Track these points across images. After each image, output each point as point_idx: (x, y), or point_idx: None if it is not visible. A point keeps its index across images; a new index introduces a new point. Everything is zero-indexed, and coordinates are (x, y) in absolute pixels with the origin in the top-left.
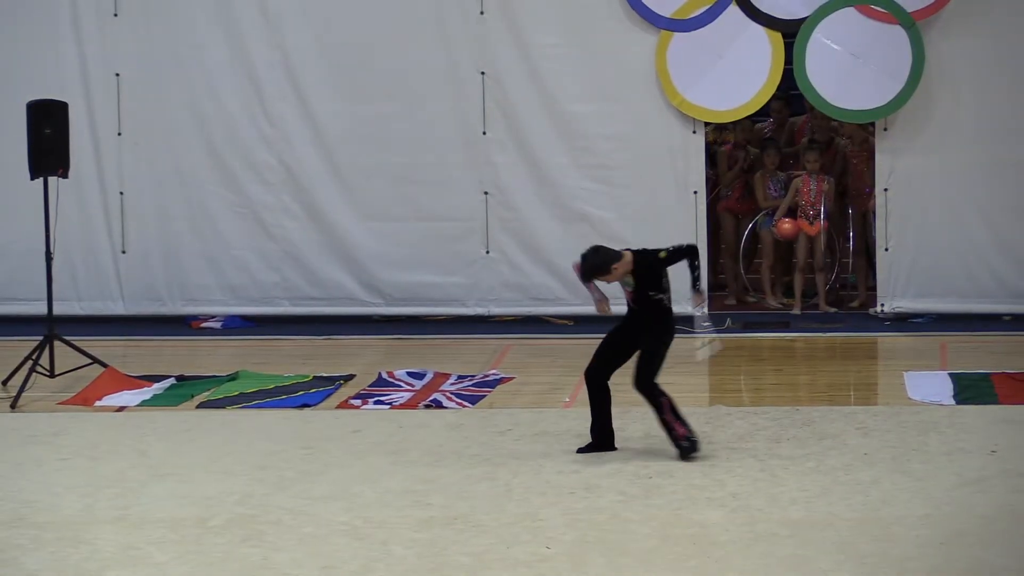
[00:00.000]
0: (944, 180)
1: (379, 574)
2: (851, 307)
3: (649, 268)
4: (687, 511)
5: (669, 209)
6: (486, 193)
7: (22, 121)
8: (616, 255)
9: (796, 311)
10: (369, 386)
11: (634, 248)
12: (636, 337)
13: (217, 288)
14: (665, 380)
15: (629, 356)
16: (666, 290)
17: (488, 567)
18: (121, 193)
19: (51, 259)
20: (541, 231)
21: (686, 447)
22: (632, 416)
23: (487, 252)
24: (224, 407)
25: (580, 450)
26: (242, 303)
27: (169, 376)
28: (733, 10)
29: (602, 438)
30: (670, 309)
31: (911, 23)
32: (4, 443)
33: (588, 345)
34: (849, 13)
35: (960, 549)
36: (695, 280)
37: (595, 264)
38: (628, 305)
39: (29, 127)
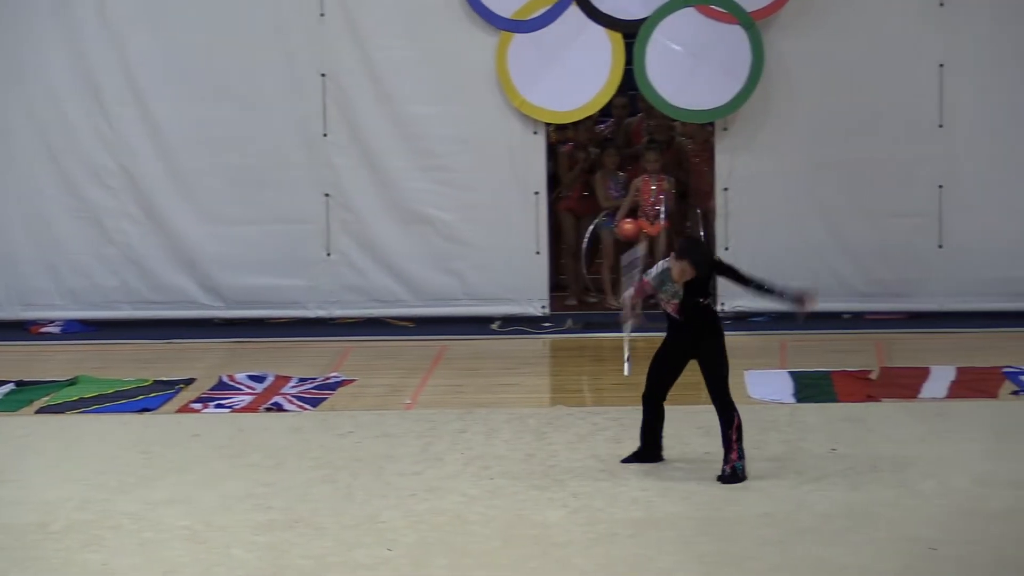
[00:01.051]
0: (783, 179)
1: None
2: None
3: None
4: (528, 512)
5: (510, 210)
6: (327, 195)
7: None
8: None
9: (636, 310)
10: (209, 390)
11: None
12: (687, 349)
13: (56, 293)
14: (507, 381)
15: (682, 370)
16: (711, 293)
17: (329, 570)
18: None
19: None
20: (382, 233)
21: (727, 474)
22: (475, 417)
23: (328, 254)
24: (64, 412)
25: (626, 459)
26: (82, 308)
27: (8, 382)
28: (573, 11)
29: (650, 448)
30: (714, 309)
31: (750, 23)
32: None
33: (429, 346)
34: (689, 13)
35: (800, 547)
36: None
37: (706, 250)
38: (670, 318)
39: None
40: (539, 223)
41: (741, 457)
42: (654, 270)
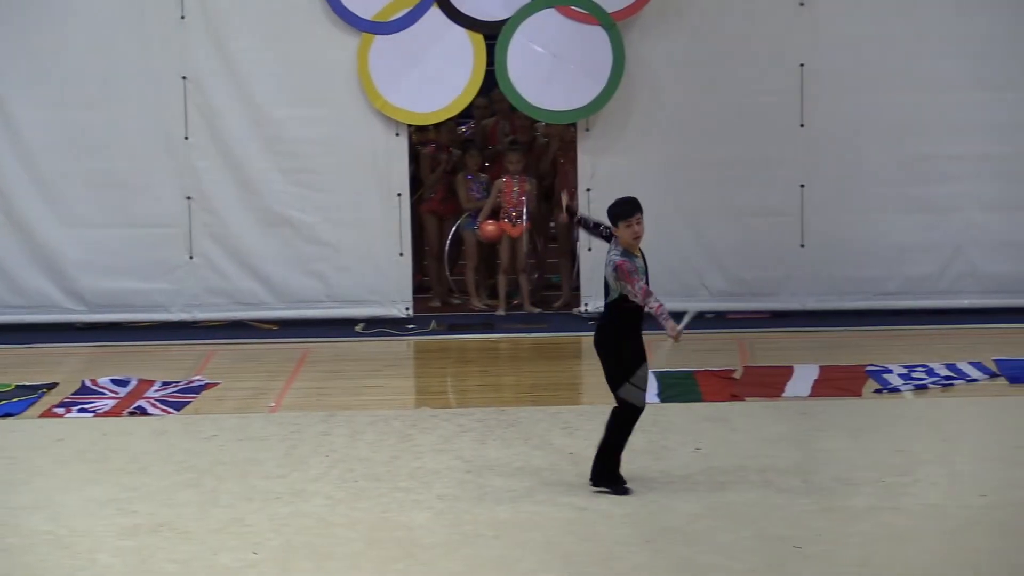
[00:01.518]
0: (645, 180)
1: None
2: (555, 307)
3: None
4: (393, 514)
5: (373, 212)
6: (189, 198)
7: None
8: None
9: (500, 312)
10: (72, 394)
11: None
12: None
13: None
14: (371, 383)
15: None
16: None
17: (195, 574)
18: None
19: None
20: (245, 236)
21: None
22: (339, 420)
23: (191, 257)
24: None
25: (619, 491)
26: None
27: None
28: (435, 12)
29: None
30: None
31: (611, 24)
32: None
33: (293, 349)
34: (550, 14)
35: (665, 546)
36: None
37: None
38: (633, 314)
39: None
40: (402, 225)
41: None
42: (624, 263)
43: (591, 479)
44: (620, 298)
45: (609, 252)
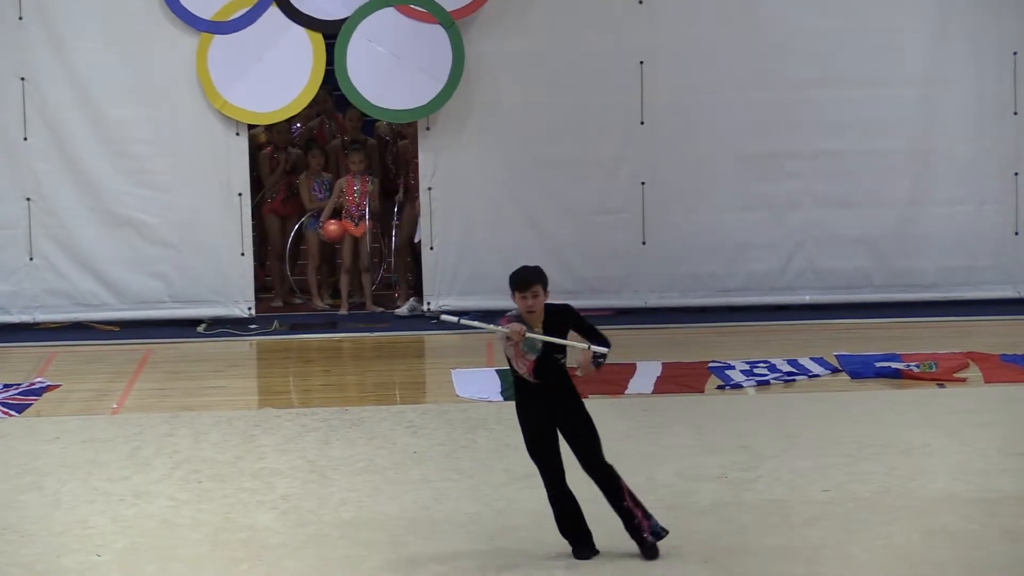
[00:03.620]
0: (486, 179)
1: None
2: (397, 307)
3: (563, 319)
4: (237, 515)
5: (214, 212)
6: (28, 199)
7: None
8: None
9: (343, 311)
10: None
11: None
12: (548, 418)
13: None
14: (214, 384)
15: (557, 439)
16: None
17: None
18: None
19: None
20: (86, 237)
21: (651, 543)
22: (182, 421)
23: (31, 259)
24: None
25: (579, 556)
26: None
27: None
28: (274, 12)
29: (583, 538)
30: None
31: (450, 23)
32: None
33: (134, 350)
34: (389, 13)
35: (510, 544)
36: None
37: (534, 270)
38: (526, 384)
39: None
40: (243, 225)
41: (648, 517)
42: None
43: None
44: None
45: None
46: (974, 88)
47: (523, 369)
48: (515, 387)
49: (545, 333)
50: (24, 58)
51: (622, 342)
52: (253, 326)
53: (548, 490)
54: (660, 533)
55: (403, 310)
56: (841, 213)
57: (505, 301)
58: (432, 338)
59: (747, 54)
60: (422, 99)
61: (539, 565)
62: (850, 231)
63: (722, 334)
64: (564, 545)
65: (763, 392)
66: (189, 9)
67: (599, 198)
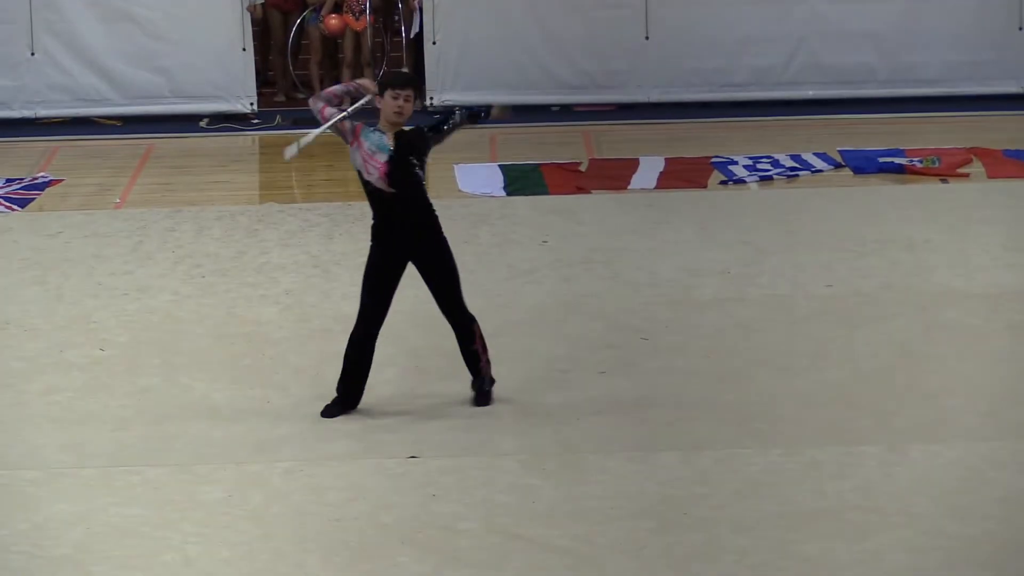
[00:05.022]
0: None
1: None
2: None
3: (423, 142)
4: (241, 309)
5: (216, 6)
6: None
7: None
8: None
9: (345, 106)
10: None
11: None
12: (402, 252)
13: None
14: (216, 179)
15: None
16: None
17: (42, 371)
18: None
19: None
20: (87, 32)
21: (487, 391)
22: (185, 216)
23: (32, 54)
24: None
25: (327, 413)
26: None
27: None
28: None
29: (351, 397)
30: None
31: None
32: None
33: (137, 145)
34: None
35: (512, 339)
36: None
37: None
38: (382, 202)
39: None
40: (245, 19)
41: (489, 364)
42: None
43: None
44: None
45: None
46: None
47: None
48: (372, 211)
49: (397, 150)
50: None
51: (625, 137)
52: (255, 121)
53: (354, 337)
54: (490, 384)
55: None
56: (845, 7)
57: (506, 95)
58: None
59: None
60: None
61: (535, 358)
62: (854, 25)
63: (725, 129)
64: (568, 337)
65: (766, 187)
66: None
67: None
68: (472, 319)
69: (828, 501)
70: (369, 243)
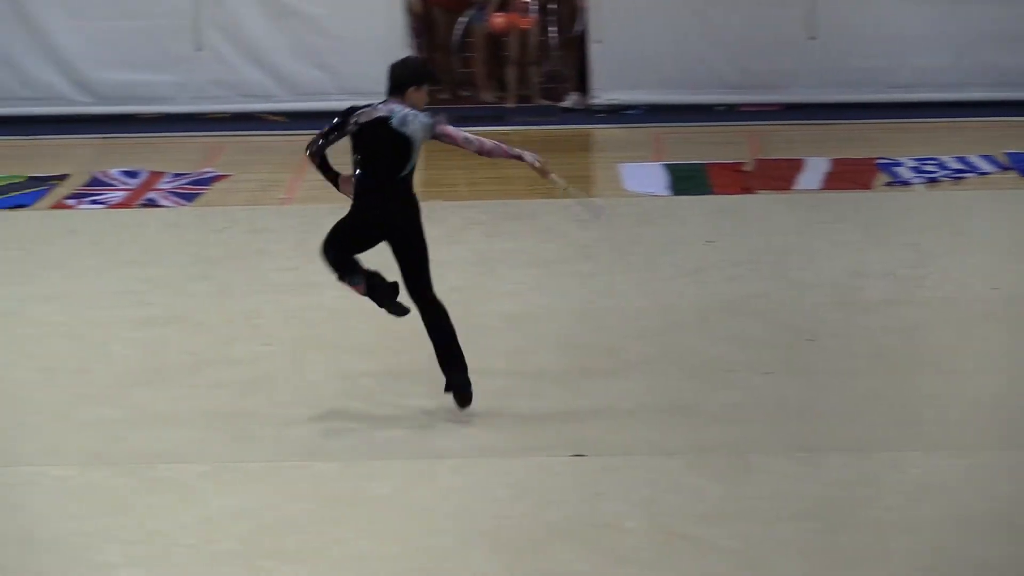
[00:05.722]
0: None
1: (98, 374)
2: (564, 100)
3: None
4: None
5: (379, 3)
6: None
7: None
8: None
9: (510, 104)
10: (83, 186)
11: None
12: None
13: None
14: None
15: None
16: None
17: (208, 365)
18: None
19: None
20: (252, 28)
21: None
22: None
23: (198, 49)
24: None
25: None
26: None
27: None
28: None
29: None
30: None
31: None
32: None
33: (302, 141)
34: None
35: (677, 339)
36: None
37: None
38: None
39: None
40: (409, 19)
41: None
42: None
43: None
44: (415, 164)
45: (397, 110)
46: None
47: (481, 145)
48: (415, 200)
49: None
50: None
51: (790, 137)
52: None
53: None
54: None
55: (568, 101)
56: (1014, 10)
57: (671, 94)
58: (599, 132)
59: None
60: None
61: (702, 358)
62: (1021, 27)
63: (891, 130)
64: (733, 337)
65: (932, 189)
66: None
67: None
68: (444, 313)
69: (997, 504)
70: None
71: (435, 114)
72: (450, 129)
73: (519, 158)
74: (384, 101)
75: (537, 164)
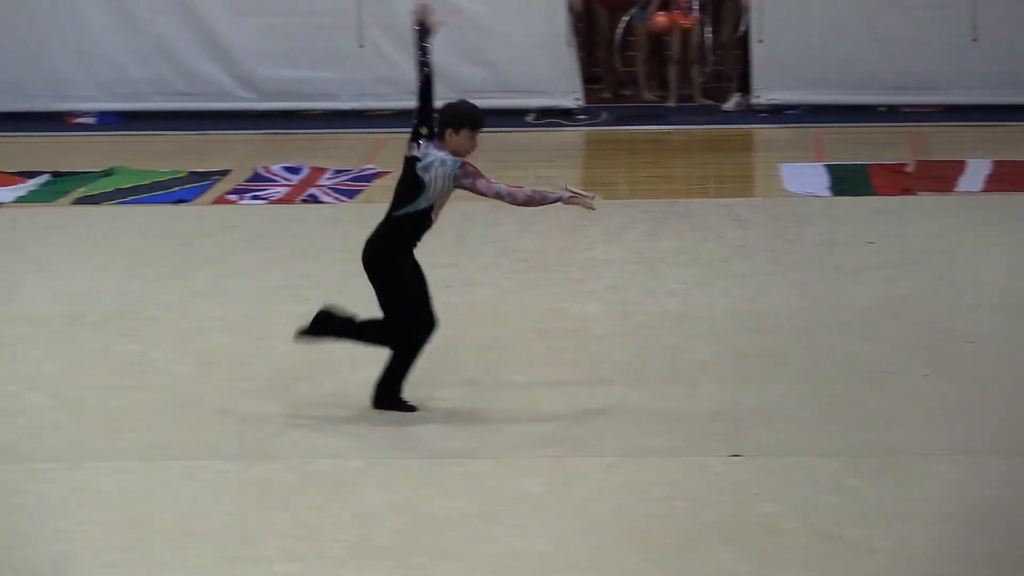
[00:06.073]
0: None
1: (257, 368)
2: (726, 100)
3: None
4: (564, 304)
5: (541, 2)
6: None
7: None
8: None
9: (671, 103)
10: (245, 181)
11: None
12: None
13: (89, 84)
14: (541, 173)
15: None
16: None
17: (367, 361)
18: None
19: None
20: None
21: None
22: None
23: (361, 46)
24: (100, 203)
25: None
26: (114, 99)
27: (44, 172)
28: None
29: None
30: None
31: None
32: None
33: None
34: None
35: (836, 341)
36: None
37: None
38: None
39: None
40: (569, 15)
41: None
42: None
43: (373, 402)
44: (425, 208)
45: (430, 154)
46: None
47: (513, 196)
48: (405, 236)
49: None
50: None
51: (951, 138)
52: (581, 117)
53: (426, 340)
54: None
55: (730, 104)
56: None
57: (832, 95)
58: (760, 132)
59: None
60: None
61: (862, 359)
62: None
63: None
64: (892, 338)
65: None
66: None
67: None
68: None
69: None
70: None
71: (465, 166)
72: (480, 184)
73: (558, 200)
74: (430, 140)
75: (571, 197)
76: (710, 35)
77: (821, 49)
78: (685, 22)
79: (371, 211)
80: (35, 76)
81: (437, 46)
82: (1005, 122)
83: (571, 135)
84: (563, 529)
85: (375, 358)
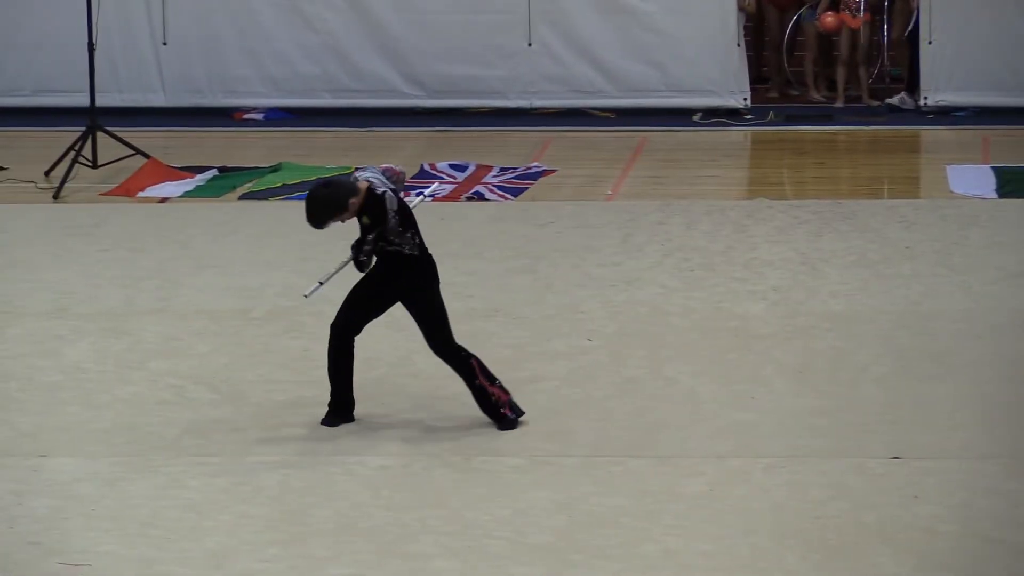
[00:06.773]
0: None
1: (418, 366)
2: (895, 101)
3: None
4: (728, 304)
5: (711, 1)
6: None
7: None
8: (351, 188)
9: (839, 104)
10: (411, 178)
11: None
12: (386, 289)
13: (258, 80)
14: (708, 173)
15: (383, 311)
16: (406, 241)
17: (529, 359)
18: None
19: (93, 50)
20: (583, 23)
21: (509, 418)
22: (674, 209)
23: (529, 44)
24: (266, 199)
25: (324, 422)
26: (283, 95)
27: (211, 167)
28: None
29: (341, 407)
30: (416, 255)
31: None
32: (46, 234)
33: (629, 138)
34: None
35: (1000, 343)
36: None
37: (326, 200)
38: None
39: None
40: (738, 16)
41: (506, 392)
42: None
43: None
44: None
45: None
46: None
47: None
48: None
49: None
50: None
51: None
52: (748, 116)
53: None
54: (516, 411)
55: (895, 100)
56: None
57: (1001, 96)
58: (928, 133)
59: None
60: None
61: None
62: None
63: None
64: None
65: None
66: None
67: None
68: (468, 355)
69: None
70: None
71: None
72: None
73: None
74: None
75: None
76: (884, 35)
77: (990, 51)
78: (853, 23)
79: (535, 210)
80: (206, 72)
81: (603, 44)
82: None
83: (737, 134)
84: (720, 529)
85: (539, 353)
